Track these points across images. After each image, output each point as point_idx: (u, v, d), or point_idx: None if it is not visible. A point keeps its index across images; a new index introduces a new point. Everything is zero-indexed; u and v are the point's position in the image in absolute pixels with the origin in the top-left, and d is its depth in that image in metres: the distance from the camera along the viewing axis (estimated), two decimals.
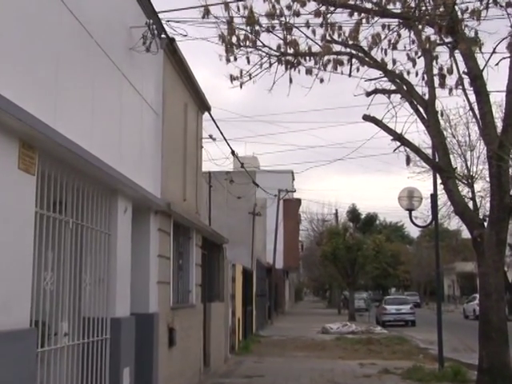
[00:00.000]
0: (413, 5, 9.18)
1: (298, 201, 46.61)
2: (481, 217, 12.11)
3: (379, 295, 65.26)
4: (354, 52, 10.05)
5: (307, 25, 9.17)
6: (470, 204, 18.47)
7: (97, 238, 7.09)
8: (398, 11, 9.28)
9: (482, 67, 9.68)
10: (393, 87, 10.68)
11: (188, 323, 11.44)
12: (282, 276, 46.88)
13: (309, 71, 9.80)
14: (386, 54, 9.67)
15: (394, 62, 9.84)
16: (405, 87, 10.54)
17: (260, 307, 28.21)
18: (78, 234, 6.61)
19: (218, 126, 15.44)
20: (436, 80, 10.06)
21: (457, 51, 9.69)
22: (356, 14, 9.16)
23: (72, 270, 6.45)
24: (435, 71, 10.01)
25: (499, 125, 11.36)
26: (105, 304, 7.20)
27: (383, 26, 9.25)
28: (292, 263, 44.74)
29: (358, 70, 10.07)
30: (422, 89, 10.55)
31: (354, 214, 44.68)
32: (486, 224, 10.59)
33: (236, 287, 18.91)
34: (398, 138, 10.68)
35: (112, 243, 7.44)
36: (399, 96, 10.68)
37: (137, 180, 8.07)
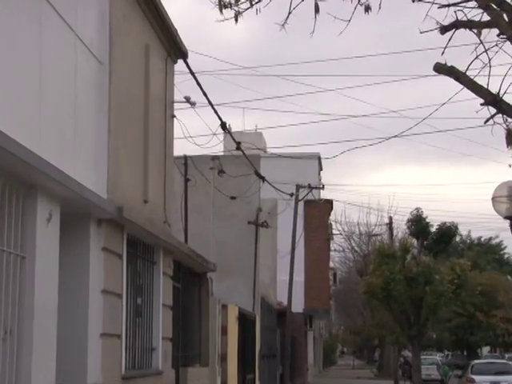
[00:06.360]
0: None
1: (329, 203, 46.62)
2: None
3: (462, 358, 65.20)
4: None
5: None
6: None
7: (2, 262, 7.06)
8: None
9: None
10: (485, 17, 10.61)
11: None
12: (303, 325, 46.93)
13: None
14: None
15: None
16: (505, 16, 10.48)
17: (267, 375, 28.23)
18: None
19: (199, 83, 15.42)
20: None
21: None
22: None
23: None
24: None
25: None
26: (13, 371, 7.17)
27: None
28: (318, 304, 44.71)
29: None
30: None
31: (419, 224, 44.50)
32: None
33: (228, 342, 18.90)
34: (494, 100, 10.62)
35: (27, 271, 7.42)
36: (496, 32, 10.62)
37: (68, 170, 8.05)
